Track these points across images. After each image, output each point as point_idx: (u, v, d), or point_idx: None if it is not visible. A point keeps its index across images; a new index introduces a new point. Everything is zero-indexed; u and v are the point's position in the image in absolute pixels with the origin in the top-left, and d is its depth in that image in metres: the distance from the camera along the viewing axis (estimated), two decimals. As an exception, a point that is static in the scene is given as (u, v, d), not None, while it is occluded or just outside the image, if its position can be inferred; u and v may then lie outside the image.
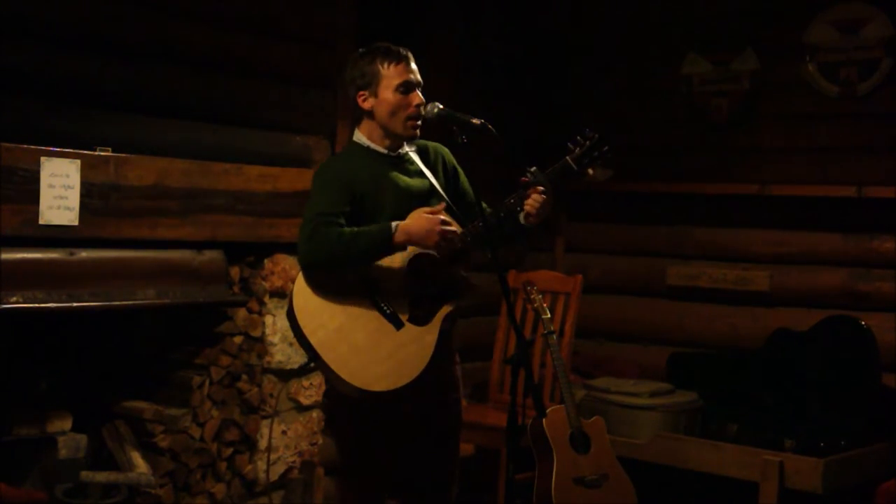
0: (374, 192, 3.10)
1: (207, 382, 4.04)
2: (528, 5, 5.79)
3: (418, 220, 3.04)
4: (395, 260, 3.07)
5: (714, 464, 4.51)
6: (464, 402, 3.37)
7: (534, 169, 3.11)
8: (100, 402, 4.00)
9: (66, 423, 3.79)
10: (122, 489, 3.72)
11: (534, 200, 3.08)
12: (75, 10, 3.66)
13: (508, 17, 5.73)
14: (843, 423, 4.52)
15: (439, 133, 3.17)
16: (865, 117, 5.15)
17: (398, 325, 3.04)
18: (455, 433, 3.31)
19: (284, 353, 4.25)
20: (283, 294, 4.22)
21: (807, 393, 4.73)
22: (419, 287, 3.09)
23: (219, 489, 4.09)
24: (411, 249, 3.08)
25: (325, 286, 3.04)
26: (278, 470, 4.29)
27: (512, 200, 3.11)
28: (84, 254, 3.61)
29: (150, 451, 3.90)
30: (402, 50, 3.14)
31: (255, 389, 4.20)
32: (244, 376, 4.16)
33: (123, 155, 3.67)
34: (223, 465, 4.11)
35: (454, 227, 3.08)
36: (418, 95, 3.13)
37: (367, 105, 3.14)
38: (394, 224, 3.02)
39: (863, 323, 4.74)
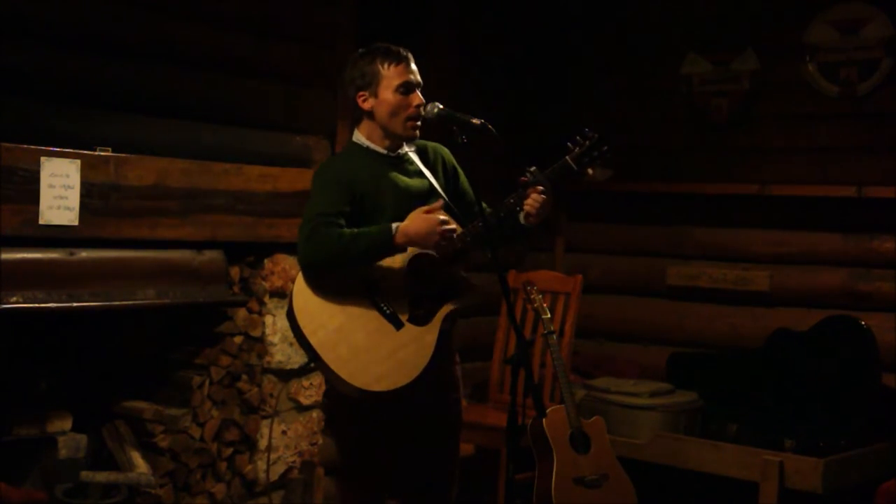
0: (374, 193, 3.10)
1: (207, 382, 4.04)
2: (528, 5, 5.79)
3: (418, 221, 3.03)
4: (395, 260, 3.07)
5: (714, 464, 4.51)
6: (464, 402, 3.37)
7: (533, 169, 3.11)
8: (100, 402, 4.00)
9: (66, 423, 3.79)
10: (122, 489, 3.72)
11: (533, 200, 3.08)
12: (75, 10, 3.66)
13: (508, 16, 5.73)
14: (843, 423, 4.52)
15: (439, 133, 3.17)
16: (865, 117, 5.15)
17: (398, 325, 3.04)
18: (455, 433, 3.31)
19: (284, 353, 4.25)
20: (283, 294, 4.22)
21: (807, 393, 4.73)
22: (419, 287, 3.09)
23: (219, 489, 4.09)
24: (411, 250, 3.08)
25: (325, 286, 3.03)
26: (278, 470, 4.29)
27: (512, 200, 3.11)
28: (84, 254, 3.61)
29: (150, 451, 3.90)
30: (402, 50, 3.14)
31: (255, 389, 4.20)
32: (244, 376, 4.16)
33: (123, 155, 3.67)
34: (223, 465, 4.11)
35: (453, 226, 3.07)
36: (418, 96, 3.13)
37: (366, 105, 3.14)
38: (394, 225, 3.02)
39: (863, 323, 4.74)
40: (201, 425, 4.02)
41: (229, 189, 4.00)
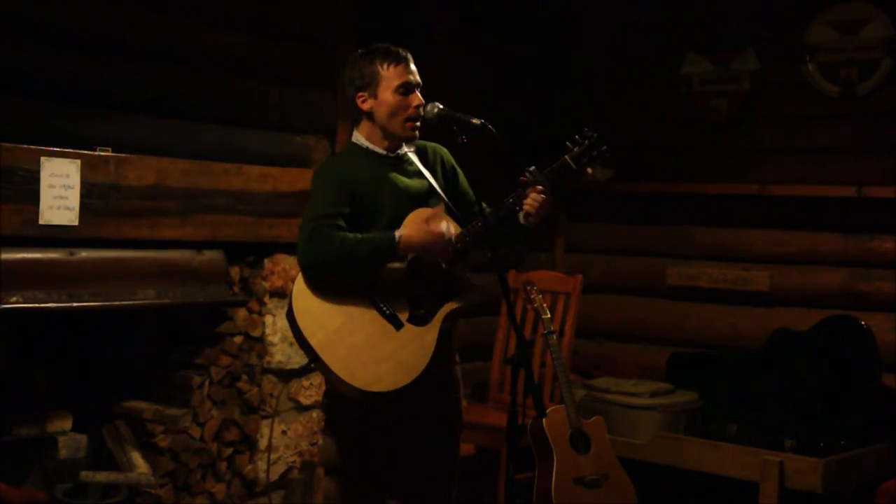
0: (374, 193, 3.10)
1: (207, 382, 4.04)
2: (528, 5, 5.79)
3: (420, 231, 3.03)
4: (395, 260, 3.07)
5: (714, 464, 4.51)
6: (464, 402, 3.37)
7: (533, 168, 3.11)
8: (100, 402, 4.00)
9: (66, 423, 3.79)
10: (122, 489, 3.72)
11: (533, 200, 3.08)
12: (75, 10, 3.66)
13: (508, 16, 5.73)
14: (843, 423, 4.52)
15: (439, 133, 3.17)
16: (865, 117, 5.15)
17: (398, 325, 3.04)
18: (455, 433, 3.31)
19: (284, 353, 4.25)
20: (283, 294, 4.22)
21: (807, 393, 4.73)
22: (418, 287, 3.09)
23: (219, 489, 4.09)
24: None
25: (325, 287, 3.03)
26: (278, 470, 4.29)
27: (511, 200, 3.11)
28: (84, 254, 3.61)
29: (150, 451, 3.90)
30: (401, 51, 3.14)
31: (255, 389, 4.20)
32: (244, 376, 4.16)
33: (123, 155, 3.67)
34: (223, 465, 4.11)
35: (453, 230, 3.07)
36: (418, 96, 3.13)
37: (366, 106, 3.14)
38: (397, 234, 3.02)
39: (863, 323, 4.73)
40: (201, 425, 4.02)
41: (229, 189, 4.00)
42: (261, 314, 4.21)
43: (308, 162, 4.38)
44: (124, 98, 3.80)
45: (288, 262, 4.24)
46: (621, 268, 5.85)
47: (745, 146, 5.49)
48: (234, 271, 4.16)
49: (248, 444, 4.20)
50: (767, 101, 5.43)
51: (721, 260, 5.52)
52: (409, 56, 3.15)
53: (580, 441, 4.15)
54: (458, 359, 3.30)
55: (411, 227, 3.05)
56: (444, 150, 3.31)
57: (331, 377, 3.02)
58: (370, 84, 3.11)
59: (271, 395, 4.25)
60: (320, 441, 4.44)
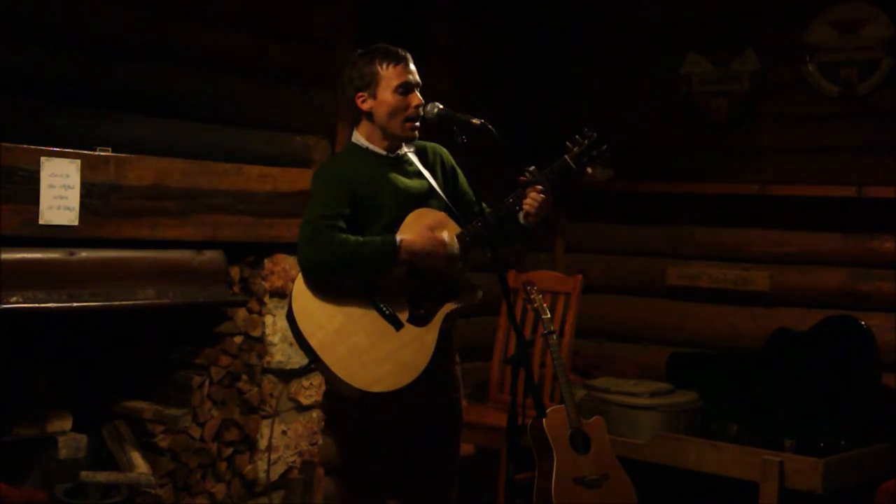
0: (374, 193, 3.10)
1: (207, 382, 4.04)
2: (528, 5, 5.79)
3: (422, 238, 3.03)
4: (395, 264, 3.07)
5: (714, 464, 4.51)
6: (464, 402, 3.37)
7: (532, 168, 3.11)
8: (100, 402, 4.00)
9: (66, 423, 3.79)
10: (122, 489, 3.73)
11: (532, 200, 3.08)
12: (75, 10, 3.66)
13: (508, 16, 5.73)
14: (843, 423, 4.52)
15: (439, 133, 3.17)
16: (865, 117, 5.15)
17: (398, 325, 3.04)
18: (455, 433, 3.31)
19: (284, 353, 4.25)
20: (283, 294, 4.22)
21: (807, 393, 4.73)
22: (418, 287, 3.08)
23: (219, 489, 4.09)
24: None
25: (325, 288, 3.03)
26: (278, 470, 4.29)
27: (511, 200, 3.11)
28: (84, 254, 3.61)
29: (150, 451, 3.90)
30: (400, 51, 3.14)
31: (255, 389, 4.20)
32: (244, 376, 4.16)
33: (123, 155, 3.67)
34: (223, 465, 4.11)
35: (457, 251, 3.07)
36: (417, 96, 3.13)
37: (365, 106, 3.14)
38: (398, 238, 3.02)
39: (863, 323, 4.74)
40: (201, 425, 4.02)
41: (229, 189, 4.00)
42: (261, 314, 4.21)
43: (308, 162, 4.38)
44: (124, 98, 3.80)
45: (288, 262, 4.24)
46: (621, 268, 5.85)
47: (745, 146, 5.49)
48: (234, 271, 4.16)
49: (248, 444, 4.20)
50: (767, 101, 5.43)
51: (721, 260, 5.52)
52: (409, 56, 3.15)
53: (580, 441, 4.16)
54: (458, 359, 3.30)
55: (414, 233, 3.04)
56: (444, 151, 3.31)
57: (331, 378, 3.02)
58: (370, 84, 3.11)
59: (271, 395, 4.25)
60: (320, 441, 4.44)
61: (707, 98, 5.58)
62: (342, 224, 3.02)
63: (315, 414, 4.42)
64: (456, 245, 3.08)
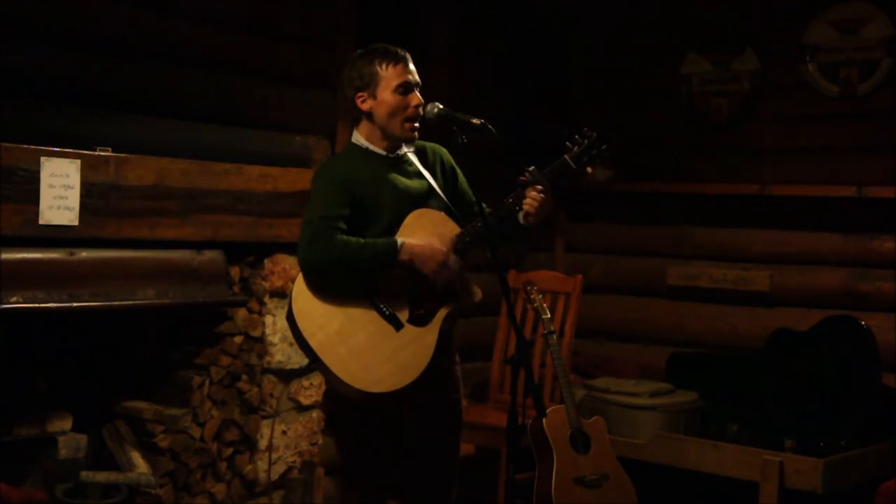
0: (374, 194, 3.10)
1: (207, 382, 4.04)
2: (528, 5, 5.79)
3: (426, 247, 3.03)
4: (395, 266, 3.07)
5: (714, 464, 4.51)
6: (464, 402, 3.37)
7: (532, 168, 3.11)
8: (100, 402, 4.00)
9: (66, 423, 3.79)
10: (122, 489, 3.73)
11: (532, 200, 3.08)
12: (75, 10, 3.66)
13: (508, 16, 5.73)
14: (843, 423, 4.52)
15: (439, 133, 3.17)
16: (865, 117, 5.15)
17: (397, 326, 3.04)
18: (455, 433, 3.31)
19: (284, 353, 4.25)
20: (283, 294, 4.22)
21: (807, 393, 4.73)
22: (418, 287, 3.08)
23: (219, 489, 4.09)
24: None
25: (325, 289, 3.03)
26: (278, 470, 4.29)
27: (511, 200, 3.11)
28: (84, 254, 3.61)
29: (150, 451, 3.90)
30: (399, 51, 3.14)
31: (255, 389, 4.20)
32: (244, 376, 4.16)
33: (123, 155, 3.67)
34: (223, 465, 4.11)
35: (458, 266, 3.06)
36: (417, 96, 3.13)
37: (365, 106, 3.14)
38: (399, 241, 3.02)
39: (863, 323, 4.73)
40: (201, 425, 4.02)
41: (229, 189, 4.00)
42: (261, 314, 4.21)
43: (308, 162, 4.38)
44: (124, 98, 3.81)
45: (288, 262, 4.24)
46: (621, 268, 5.85)
47: (745, 146, 5.49)
48: (234, 271, 4.16)
49: (248, 444, 4.20)
50: (767, 101, 5.42)
51: (721, 260, 5.52)
52: (408, 56, 3.15)
53: (580, 441, 4.16)
54: (458, 359, 3.30)
55: (418, 237, 3.05)
56: (444, 151, 3.31)
57: (331, 378, 3.02)
58: (369, 84, 3.11)
59: (271, 395, 4.25)
60: (320, 441, 4.44)
61: (707, 98, 5.58)
62: (343, 225, 3.02)
63: (315, 414, 4.42)
64: (459, 264, 3.07)
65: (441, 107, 3.09)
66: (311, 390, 4.38)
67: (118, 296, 3.71)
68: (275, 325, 4.23)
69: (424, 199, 3.16)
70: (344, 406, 3.14)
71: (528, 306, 4.37)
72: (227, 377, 4.12)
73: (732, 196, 5.44)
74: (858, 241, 5.15)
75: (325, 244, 2.97)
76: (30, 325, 3.78)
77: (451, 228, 3.13)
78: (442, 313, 3.10)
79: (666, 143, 5.73)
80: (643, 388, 4.81)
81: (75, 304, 3.59)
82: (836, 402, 4.63)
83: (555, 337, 4.25)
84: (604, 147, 3.12)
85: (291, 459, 4.35)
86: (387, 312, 3.04)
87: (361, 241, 3.01)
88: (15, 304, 3.42)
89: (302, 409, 4.39)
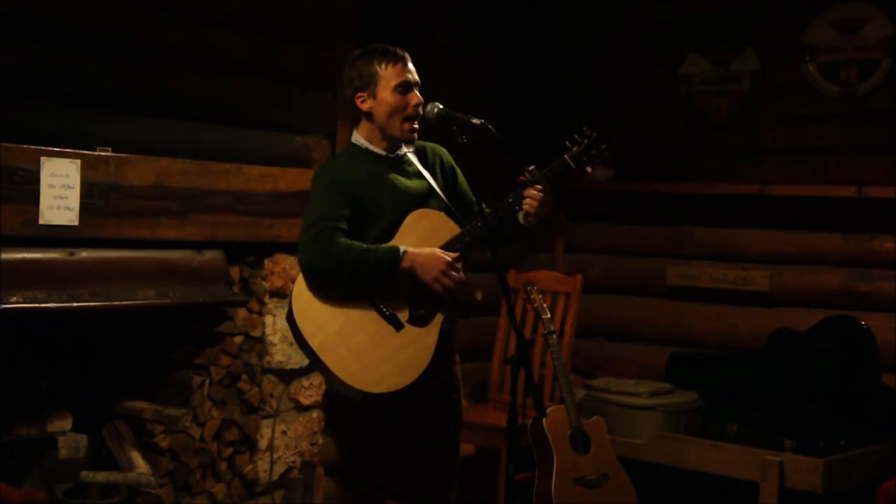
0: (374, 194, 3.09)
1: (207, 382, 4.04)
2: (528, 5, 5.79)
3: (428, 256, 3.03)
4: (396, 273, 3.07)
5: (714, 464, 4.51)
6: (464, 402, 3.37)
7: (532, 168, 3.12)
8: (100, 402, 4.00)
9: (66, 423, 3.79)
10: (122, 489, 3.73)
11: (532, 199, 3.08)
12: (75, 10, 3.66)
13: (508, 16, 5.73)
14: (843, 423, 4.52)
15: (439, 133, 3.17)
16: (865, 117, 5.15)
17: (398, 326, 3.04)
18: (455, 433, 3.31)
19: (284, 353, 4.25)
20: (283, 294, 4.22)
21: (807, 393, 4.73)
22: (418, 288, 3.08)
23: (219, 489, 4.09)
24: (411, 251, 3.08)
25: (325, 289, 3.03)
26: (278, 470, 4.29)
27: (511, 200, 3.11)
28: (84, 254, 3.61)
29: (150, 451, 3.90)
30: (398, 50, 3.14)
31: (255, 389, 4.20)
32: (244, 376, 4.16)
33: (123, 155, 3.67)
34: (223, 465, 4.12)
35: (459, 276, 3.06)
36: (416, 95, 3.13)
37: (365, 106, 3.14)
38: (402, 249, 3.01)
39: (863, 323, 4.74)
40: (201, 425, 4.02)
41: (229, 189, 4.00)
42: (261, 314, 4.21)
43: (308, 162, 4.38)
44: (124, 98, 3.80)
45: (288, 262, 4.24)
46: (621, 268, 5.85)
47: (745, 146, 5.49)
48: (234, 271, 4.16)
49: (248, 444, 4.20)
50: (767, 101, 5.43)
51: (721, 260, 5.52)
52: (407, 55, 3.15)
53: (580, 441, 4.16)
54: (458, 359, 3.30)
55: (418, 238, 3.05)
56: (444, 151, 3.31)
57: (331, 379, 3.02)
58: (369, 84, 3.11)
59: (271, 395, 4.25)
60: (320, 441, 4.44)
61: (707, 98, 5.58)
62: (344, 226, 3.02)
63: (315, 414, 4.42)
64: (456, 269, 3.06)
65: (441, 107, 3.09)
66: (311, 390, 4.38)
67: (118, 296, 3.71)
68: (275, 325, 4.23)
69: (424, 199, 3.16)
70: (344, 406, 3.15)
71: (528, 306, 4.37)
72: (227, 377, 4.12)
73: (732, 196, 5.45)
74: (858, 241, 5.15)
75: (326, 247, 2.97)
76: (30, 325, 3.78)
77: (451, 229, 3.13)
78: (442, 314, 3.10)
79: (666, 143, 5.73)
80: (643, 388, 4.81)
81: (75, 304, 3.59)
82: (836, 402, 4.63)
83: (555, 337, 4.25)
84: (603, 147, 3.13)
85: (291, 459, 4.35)
86: (387, 313, 3.04)
87: (364, 246, 3.00)
88: (15, 304, 3.42)
89: (302, 409, 4.39)
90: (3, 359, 3.74)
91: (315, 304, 3.02)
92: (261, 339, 4.21)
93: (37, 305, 3.48)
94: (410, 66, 3.14)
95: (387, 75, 3.10)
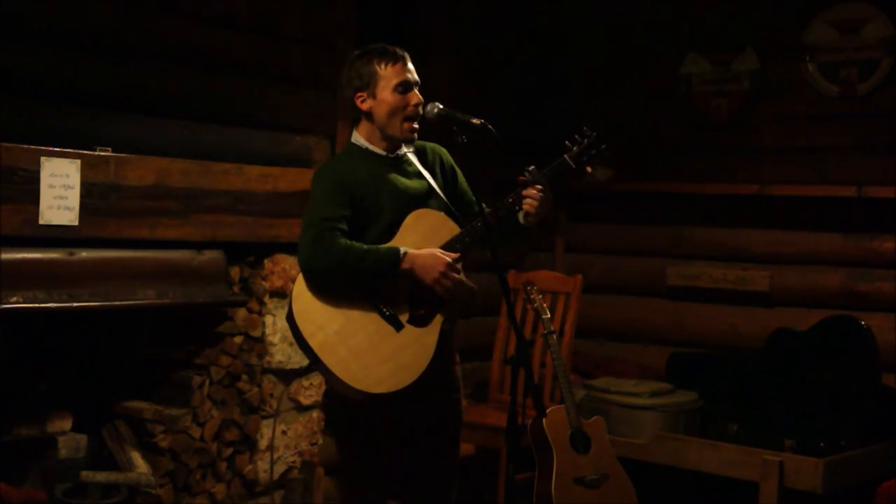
0: (374, 194, 3.10)
1: (207, 382, 4.04)
2: (528, 4, 5.79)
3: (429, 257, 3.03)
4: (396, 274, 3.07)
5: (714, 464, 4.51)
6: (464, 402, 3.37)
7: (532, 168, 3.12)
8: (100, 402, 4.00)
9: (66, 423, 3.79)
10: (122, 489, 3.73)
11: (532, 199, 3.08)
12: (75, 10, 3.66)
13: (508, 16, 5.73)
14: (843, 423, 4.52)
15: (439, 133, 3.17)
16: (865, 117, 5.15)
17: (398, 326, 3.04)
18: (455, 433, 3.31)
19: (284, 353, 4.25)
20: (283, 294, 4.22)
21: (807, 393, 4.73)
22: (418, 288, 3.08)
23: (219, 489, 4.09)
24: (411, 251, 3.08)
25: (325, 289, 3.03)
26: (278, 470, 4.29)
27: (511, 200, 3.11)
28: (84, 254, 3.61)
29: (150, 451, 3.90)
30: (398, 50, 3.14)
31: (255, 389, 4.20)
32: (244, 376, 4.16)
33: (123, 155, 3.67)
34: (223, 465, 4.12)
35: (459, 277, 3.06)
36: (416, 95, 3.13)
37: (365, 106, 3.14)
38: (402, 250, 3.01)
39: (863, 323, 4.73)
40: (201, 425, 4.02)
41: (229, 189, 4.00)
42: (261, 314, 4.21)
43: (308, 162, 4.38)
44: (124, 98, 3.81)
45: (288, 262, 4.24)
46: (621, 268, 5.84)
47: (745, 146, 5.49)
48: (234, 271, 4.16)
49: (248, 444, 4.20)
50: (767, 101, 5.42)
51: (721, 260, 5.52)
52: (407, 55, 3.15)
53: (580, 441, 4.15)
54: (458, 359, 3.30)
55: (421, 243, 3.05)
56: (444, 151, 3.31)
57: (332, 379, 3.02)
58: (369, 84, 3.11)
59: (271, 395, 4.25)
60: (320, 441, 4.44)
61: (707, 98, 5.58)
62: (344, 226, 3.02)
63: (315, 414, 4.42)
64: (457, 270, 3.06)
65: (441, 107, 3.09)
66: (311, 390, 4.38)
67: (118, 296, 3.71)
68: (275, 325, 4.23)
69: (424, 199, 3.16)
70: (344, 406, 3.15)
71: (528, 306, 4.37)
72: (227, 377, 4.12)
73: (732, 196, 5.44)
74: (858, 241, 5.15)
75: (326, 248, 2.97)
76: (30, 325, 3.78)
77: (451, 229, 3.13)
78: (442, 314, 3.09)
79: (666, 143, 5.73)
80: (643, 388, 4.81)
81: (75, 304, 3.59)
82: (835, 402, 4.63)
83: (555, 337, 4.25)
84: (603, 147, 3.13)
85: (291, 459, 4.35)
86: (387, 313, 3.04)
87: (364, 247, 3.00)
88: (15, 304, 3.42)
89: (302, 409, 4.39)
90: (3, 359, 3.74)
91: (315, 305, 3.02)
92: (261, 339, 4.21)
93: (37, 305, 3.48)
94: (410, 65, 3.14)
95: (387, 75, 3.10)
